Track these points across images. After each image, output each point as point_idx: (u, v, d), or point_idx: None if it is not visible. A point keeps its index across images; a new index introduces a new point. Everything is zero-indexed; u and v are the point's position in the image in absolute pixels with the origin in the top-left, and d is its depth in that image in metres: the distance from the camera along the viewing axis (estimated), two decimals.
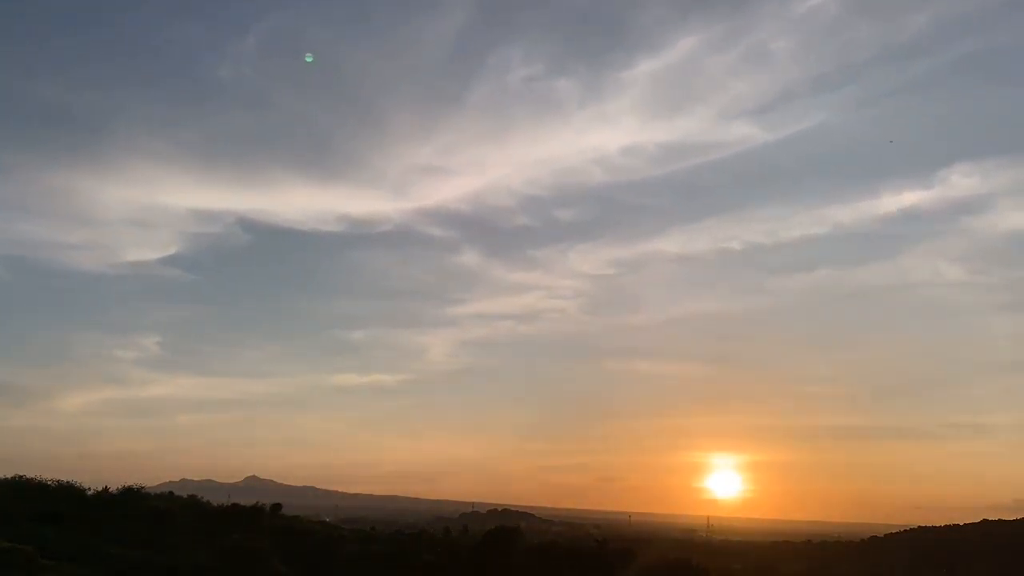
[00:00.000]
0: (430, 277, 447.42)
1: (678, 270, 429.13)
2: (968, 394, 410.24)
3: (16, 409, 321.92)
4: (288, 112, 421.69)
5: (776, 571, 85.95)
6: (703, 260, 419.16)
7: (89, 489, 57.56)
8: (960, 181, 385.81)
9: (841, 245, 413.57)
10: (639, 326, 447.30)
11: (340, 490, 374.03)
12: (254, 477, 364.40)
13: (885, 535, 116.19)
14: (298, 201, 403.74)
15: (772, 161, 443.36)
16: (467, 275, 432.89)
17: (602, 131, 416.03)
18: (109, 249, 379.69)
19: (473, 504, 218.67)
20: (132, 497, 57.33)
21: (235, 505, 66.93)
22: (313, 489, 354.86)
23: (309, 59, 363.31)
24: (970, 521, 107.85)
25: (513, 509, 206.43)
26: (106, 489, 58.03)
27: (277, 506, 68.83)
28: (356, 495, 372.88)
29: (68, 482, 56.65)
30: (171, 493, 71.44)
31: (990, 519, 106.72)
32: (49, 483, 55.73)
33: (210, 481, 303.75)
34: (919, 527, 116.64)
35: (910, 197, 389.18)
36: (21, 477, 56.18)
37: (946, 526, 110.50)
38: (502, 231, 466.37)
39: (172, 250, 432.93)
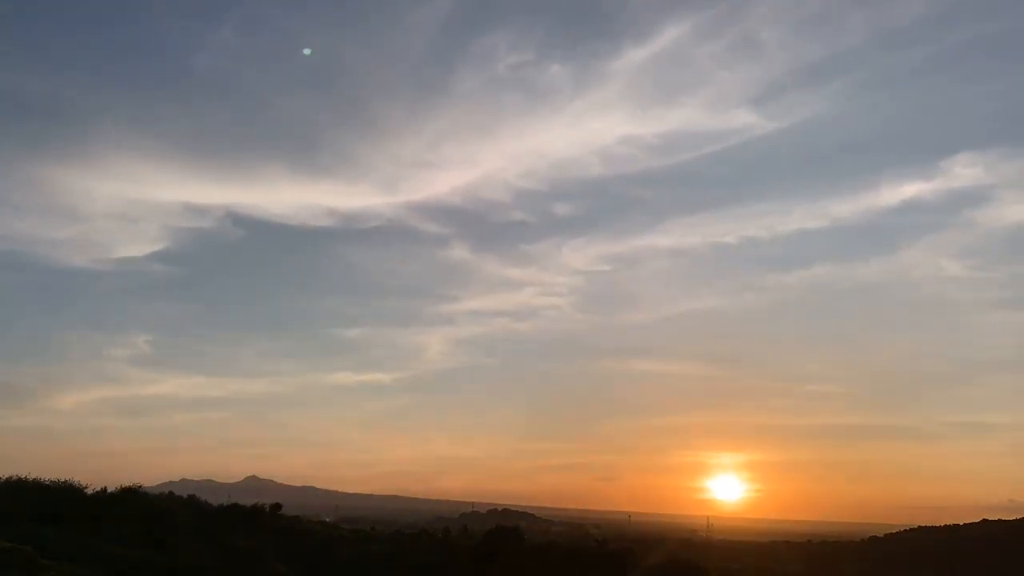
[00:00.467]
0: (423, 273, 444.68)
1: (673, 265, 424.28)
2: (969, 392, 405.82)
3: (10, 409, 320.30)
4: (275, 105, 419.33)
5: (776, 571, 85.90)
6: (698, 255, 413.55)
7: (88, 488, 57.47)
8: (963, 172, 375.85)
9: (840, 239, 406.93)
10: (635, 324, 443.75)
11: (340, 490, 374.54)
12: (254, 477, 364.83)
13: (885, 535, 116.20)
14: (287, 195, 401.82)
15: (768, 153, 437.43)
16: (460, 271, 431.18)
17: (594, 121, 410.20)
18: (97, 245, 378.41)
19: (473, 504, 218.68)
20: (132, 497, 57.14)
21: (235, 505, 66.76)
22: (313, 489, 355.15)
23: (307, 52, 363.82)
24: (970, 521, 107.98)
25: (513, 509, 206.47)
26: (105, 489, 57.91)
27: (277, 506, 68.66)
28: (356, 495, 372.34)
29: (67, 482, 56.49)
30: (171, 493, 71.25)
31: (990, 519, 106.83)
32: (48, 483, 55.57)
33: (210, 481, 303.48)
34: (919, 527, 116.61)
35: (910, 189, 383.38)
36: (21, 477, 56.03)
37: (946, 526, 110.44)
38: (494, 225, 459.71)
39: (161, 245, 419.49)
